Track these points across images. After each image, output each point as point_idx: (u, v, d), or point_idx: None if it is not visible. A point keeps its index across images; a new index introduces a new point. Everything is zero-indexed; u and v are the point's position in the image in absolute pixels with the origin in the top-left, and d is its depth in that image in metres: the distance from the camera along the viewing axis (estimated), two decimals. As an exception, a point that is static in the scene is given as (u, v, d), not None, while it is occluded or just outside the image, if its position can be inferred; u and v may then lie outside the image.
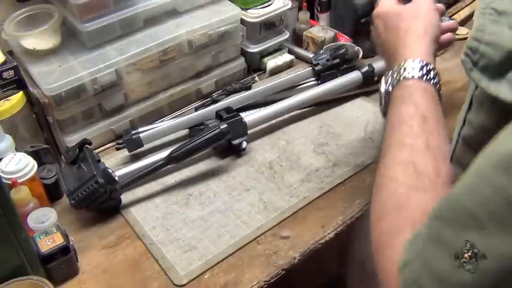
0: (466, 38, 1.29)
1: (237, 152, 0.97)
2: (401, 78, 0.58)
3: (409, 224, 0.46)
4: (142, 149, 0.98)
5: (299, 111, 1.05)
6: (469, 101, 0.55)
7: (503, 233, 0.36)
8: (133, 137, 0.96)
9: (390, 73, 0.61)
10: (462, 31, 1.29)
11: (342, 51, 1.08)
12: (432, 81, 0.57)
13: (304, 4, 1.24)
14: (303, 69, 1.09)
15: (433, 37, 0.64)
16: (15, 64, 0.86)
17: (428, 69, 0.58)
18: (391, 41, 0.66)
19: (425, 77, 0.57)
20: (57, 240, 0.73)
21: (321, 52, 1.13)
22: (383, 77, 0.62)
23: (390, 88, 0.60)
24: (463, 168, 0.53)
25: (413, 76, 0.57)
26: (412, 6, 0.69)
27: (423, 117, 0.54)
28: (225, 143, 0.93)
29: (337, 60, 1.08)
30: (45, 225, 0.76)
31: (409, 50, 0.62)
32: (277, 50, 1.20)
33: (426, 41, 0.63)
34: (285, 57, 1.19)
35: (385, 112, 0.61)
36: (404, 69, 0.58)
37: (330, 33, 1.20)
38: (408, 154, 0.51)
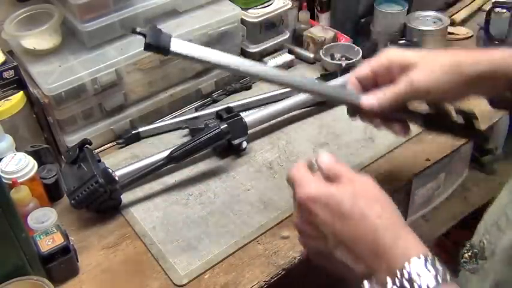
0: (465, 38, 1.30)
1: (237, 152, 0.97)
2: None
3: None
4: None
5: (299, 111, 1.05)
6: None
7: None
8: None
9: (393, 281, 0.47)
10: (462, 31, 1.29)
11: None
12: (446, 275, 0.47)
13: (304, 4, 1.24)
14: (303, 69, 1.09)
15: (404, 221, 0.52)
16: (15, 64, 0.86)
17: (435, 264, 0.47)
18: (360, 230, 0.51)
19: (438, 276, 0.46)
20: (57, 240, 0.73)
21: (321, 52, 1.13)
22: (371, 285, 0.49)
23: None
24: None
25: (433, 285, 0.46)
26: (354, 187, 0.54)
27: None
28: (225, 143, 0.93)
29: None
30: (45, 225, 0.76)
31: (403, 243, 0.49)
32: (277, 50, 1.20)
33: (408, 228, 0.51)
34: (285, 57, 1.19)
35: None
36: (418, 275, 0.46)
37: (330, 33, 1.20)
38: None
